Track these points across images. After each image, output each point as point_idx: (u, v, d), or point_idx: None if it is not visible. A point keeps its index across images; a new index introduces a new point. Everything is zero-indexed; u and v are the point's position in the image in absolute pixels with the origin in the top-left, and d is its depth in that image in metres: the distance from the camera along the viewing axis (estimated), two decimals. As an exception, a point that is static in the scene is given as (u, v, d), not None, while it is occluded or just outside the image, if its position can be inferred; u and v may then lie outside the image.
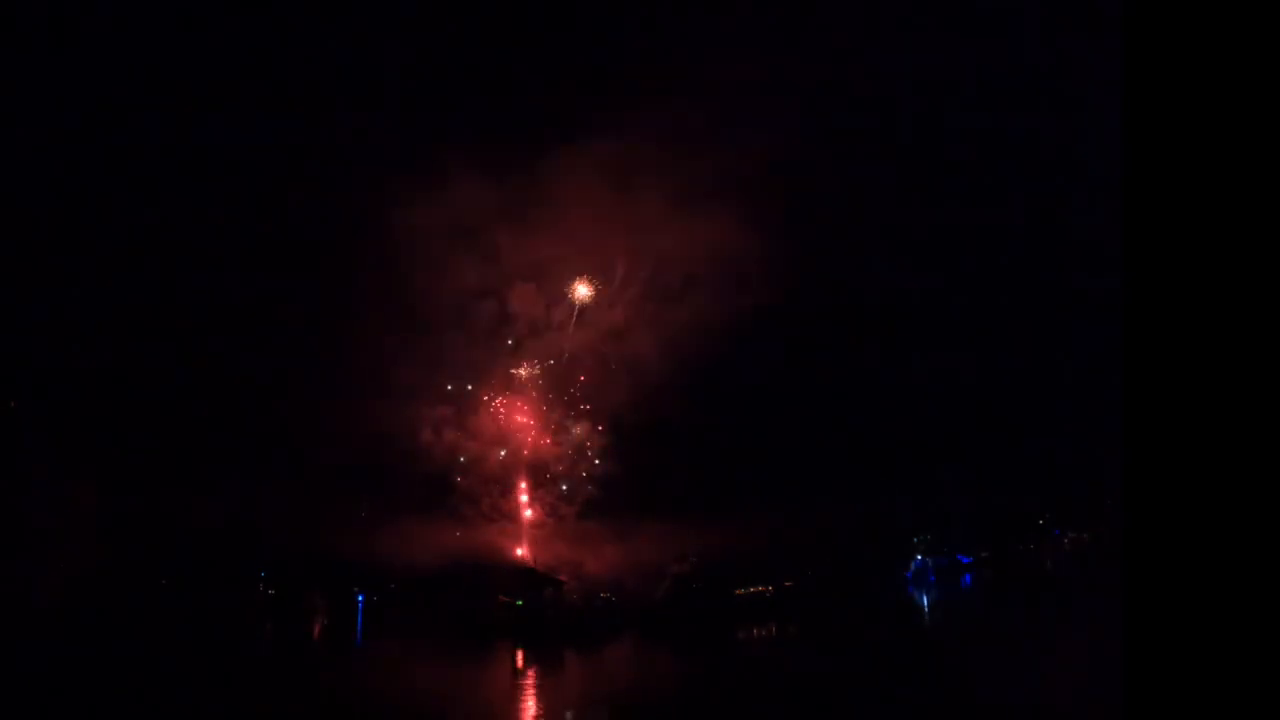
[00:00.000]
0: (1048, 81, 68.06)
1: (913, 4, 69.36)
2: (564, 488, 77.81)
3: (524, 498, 77.98)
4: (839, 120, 70.45)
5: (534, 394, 79.06)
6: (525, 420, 78.83)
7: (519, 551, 73.17)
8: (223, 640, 58.51)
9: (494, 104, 75.30)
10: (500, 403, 78.78)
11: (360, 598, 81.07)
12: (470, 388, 78.04)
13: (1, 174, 63.32)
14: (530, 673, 43.31)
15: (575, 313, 75.95)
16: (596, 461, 77.92)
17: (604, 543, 74.83)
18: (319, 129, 70.72)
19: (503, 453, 78.12)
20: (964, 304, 76.70)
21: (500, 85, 75.85)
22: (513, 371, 78.43)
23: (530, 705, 32.64)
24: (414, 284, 77.27)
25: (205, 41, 68.86)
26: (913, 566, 77.37)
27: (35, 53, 63.24)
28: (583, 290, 73.62)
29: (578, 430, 78.90)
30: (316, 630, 71.45)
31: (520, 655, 50.86)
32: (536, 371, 79.22)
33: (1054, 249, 74.49)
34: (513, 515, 77.82)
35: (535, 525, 77.00)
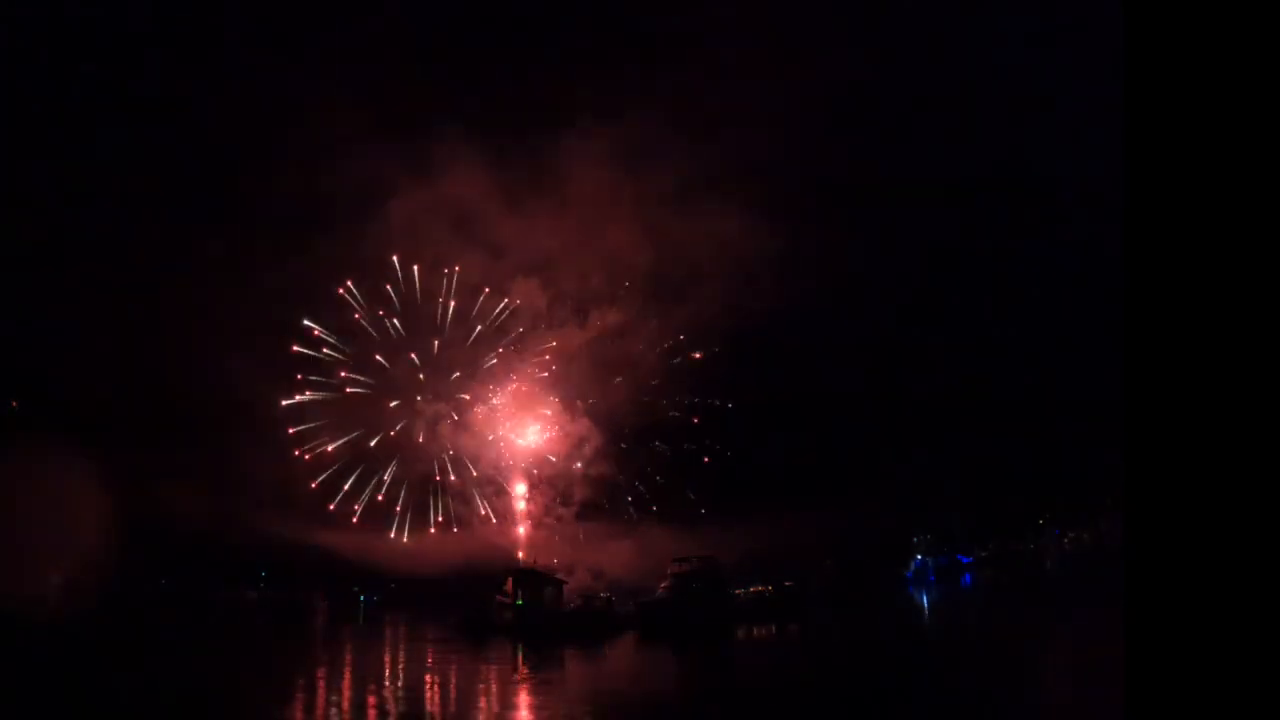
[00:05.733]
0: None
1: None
2: (563, 488, 77.85)
3: (523, 498, 77.99)
4: (840, 113, 70.44)
5: (534, 393, 79.11)
6: (525, 419, 78.85)
7: (519, 551, 73.18)
8: (223, 639, 58.53)
9: (493, 88, 75.12)
10: (500, 402, 78.84)
11: (363, 598, 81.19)
12: (471, 386, 78.22)
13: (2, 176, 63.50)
14: (530, 672, 43.30)
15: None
16: (594, 462, 77.97)
17: (604, 543, 74.83)
18: (315, 120, 70.82)
19: (502, 451, 78.23)
20: (964, 305, 76.80)
21: (499, 69, 75.66)
22: (512, 370, 78.53)
23: (530, 705, 32.66)
24: (411, 278, 77.47)
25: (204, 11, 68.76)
26: (913, 566, 77.37)
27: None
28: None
29: (577, 430, 78.99)
30: (317, 629, 71.51)
31: (520, 654, 50.81)
32: (536, 370, 79.33)
33: (1054, 248, 74.55)
34: (512, 515, 77.84)
35: (535, 525, 77.01)
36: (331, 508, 74.49)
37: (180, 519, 66.57)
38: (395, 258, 76.66)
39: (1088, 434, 62.99)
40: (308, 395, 76.24)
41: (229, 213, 74.22)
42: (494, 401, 78.25)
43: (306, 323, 76.49)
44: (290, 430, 75.20)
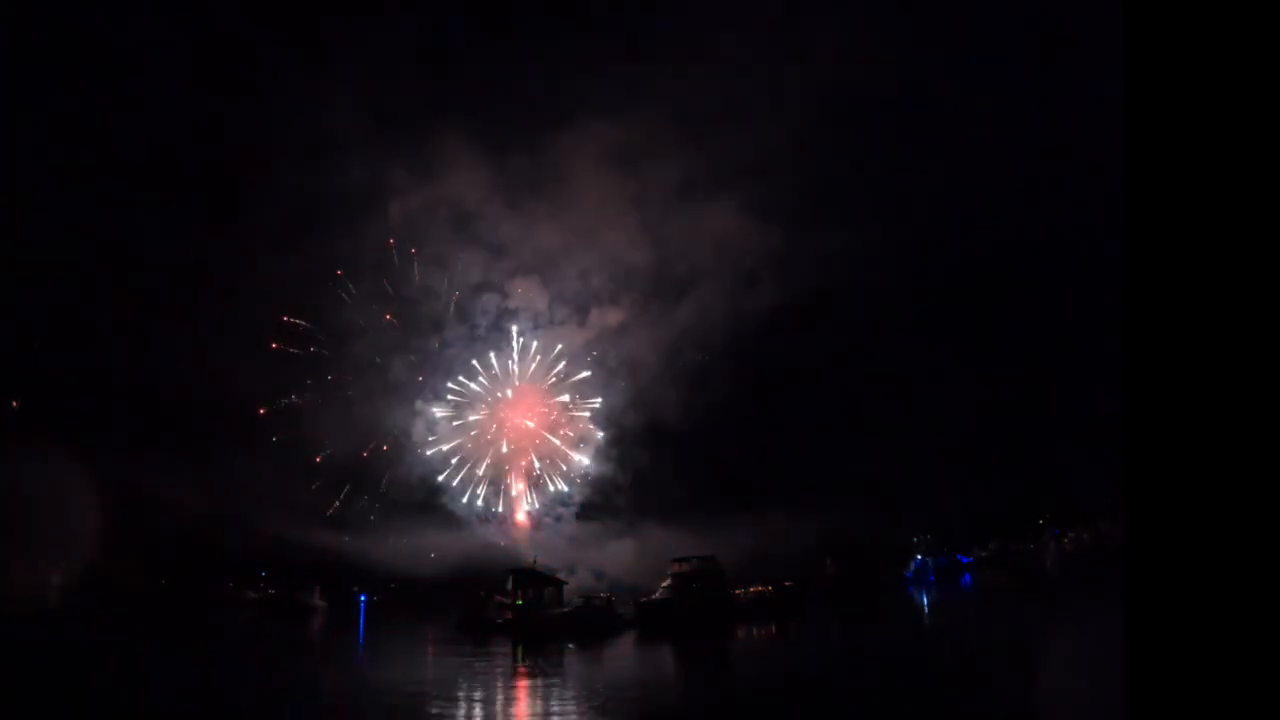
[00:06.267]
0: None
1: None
2: (564, 488, 77.91)
3: (524, 498, 78.05)
4: (842, 108, 70.35)
5: (535, 392, 79.14)
6: (526, 419, 78.87)
7: (519, 551, 73.23)
8: (222, 638, 58.51)
9: (493, 88, 75.06)
10: (500, 401, 78.86)
11: (362, 598, 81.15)
12: (472, 386, 78.22)
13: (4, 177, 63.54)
14: (530, 672, 43.30)
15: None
16: (594, 462, 78.00)
17: (604, 543, 74.89)
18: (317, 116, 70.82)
19: (504, 451, 78.23)
20: (964, 304, 76.77)
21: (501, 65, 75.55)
22: (514, 369, 78.53)
23: (530, 705, 32.66)
24: (411, 279, 77.57)
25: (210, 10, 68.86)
26: (913, 566, 77.35)
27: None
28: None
29: (578, 430, 79.03)
30: (316, 628, 71.49)
31: (520, 654, 50.80)
32: (537, 370, 79.32)
33: (1056, 247, 74.54)
34: (513, 516, 77.92)
35: (535, 525, 77.11)
36: (330, 512, 74.58)
37: (180, 519, 66.58)
38: (396, 259, 76.87)
39: (1088, 434, 62.98)
40: (308, 395, 76.35)
41: (230, 213, 74.21)
42: (492, 400, 78.26)
43: (307, 323, 76.63)
44: (290, 430, 75.31)
